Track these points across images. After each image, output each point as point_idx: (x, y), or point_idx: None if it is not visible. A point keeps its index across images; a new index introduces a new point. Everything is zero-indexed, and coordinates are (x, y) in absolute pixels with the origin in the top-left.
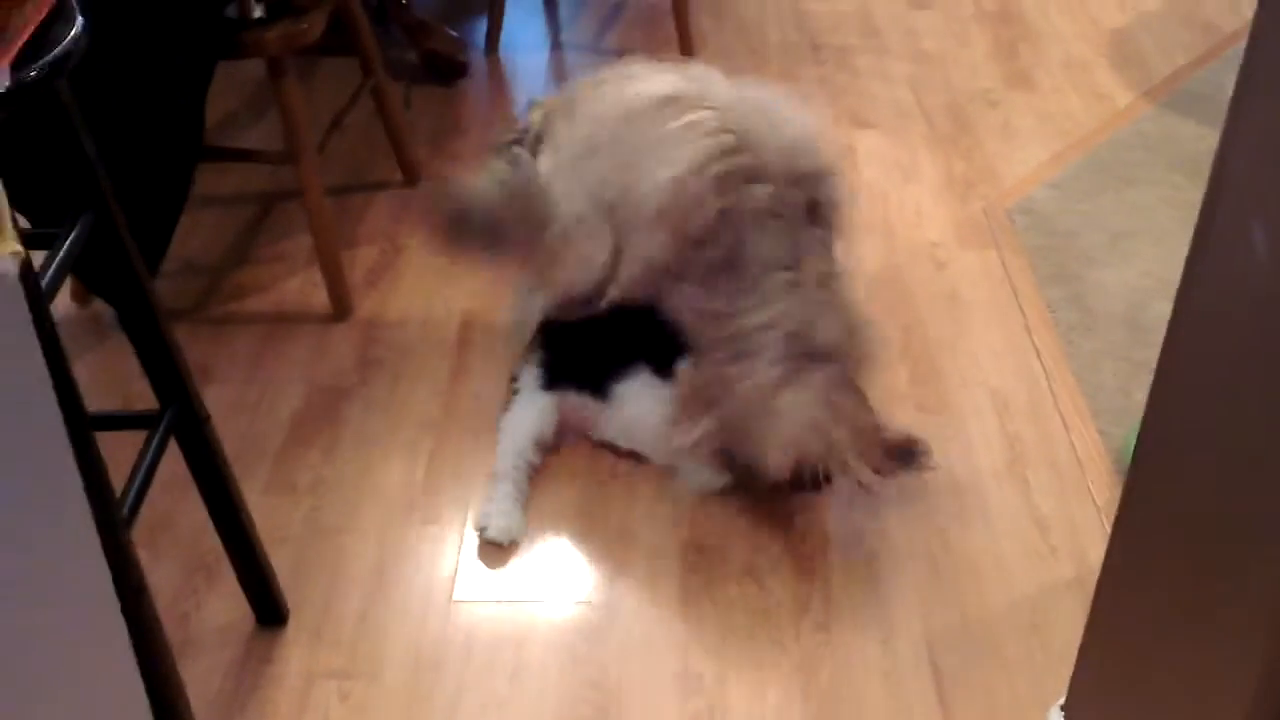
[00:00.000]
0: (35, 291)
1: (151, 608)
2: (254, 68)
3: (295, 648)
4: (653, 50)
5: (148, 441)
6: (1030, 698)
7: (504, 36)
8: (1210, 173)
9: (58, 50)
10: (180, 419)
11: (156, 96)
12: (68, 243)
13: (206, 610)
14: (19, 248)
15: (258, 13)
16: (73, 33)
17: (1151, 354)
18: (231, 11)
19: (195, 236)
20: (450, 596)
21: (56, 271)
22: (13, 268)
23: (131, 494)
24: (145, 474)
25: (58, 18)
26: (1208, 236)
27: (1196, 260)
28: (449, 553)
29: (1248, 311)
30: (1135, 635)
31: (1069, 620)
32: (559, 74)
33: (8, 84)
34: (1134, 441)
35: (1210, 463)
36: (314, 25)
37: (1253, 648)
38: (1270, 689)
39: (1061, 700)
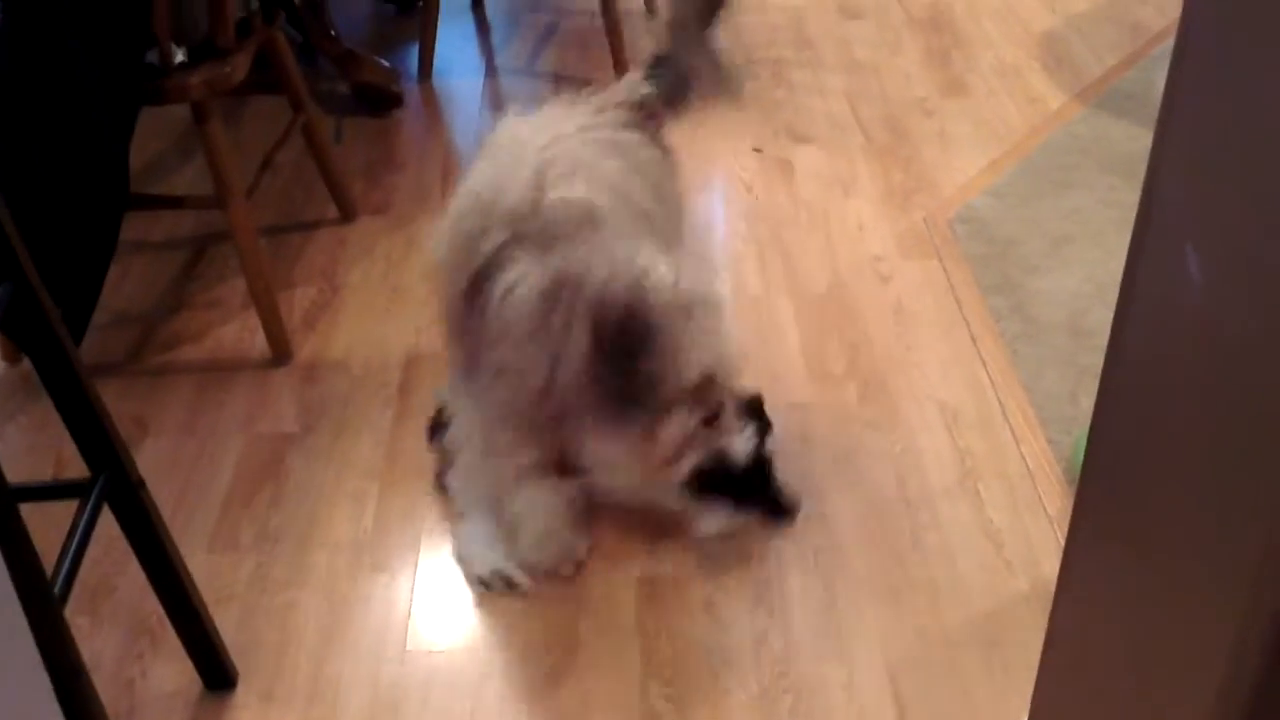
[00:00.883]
0: None
1: (90, 688)
2: (180, 109)
3: (245, 712)
4: (587, 72)
5: (79, 512)
6: (993, 716)
7: (436, 63)
8: (1141, 195)
9: None
10: (112, 485)
11: (79, 147)
12: None
13: (152, 676)
14: None
15: (180, 57)
16: None
17: (1095, 359)
18: (152, 57)
19: (126, 284)
20: (404, 645)
21: None
22: None
23: (64, 568)
24: (78, 546)
25: None
26: (1140, 260)
27: (1131, 284)
28: (401, 600)
29: (1184, 339)
30: (1094, 647)
31: (1028, 634)
32: (494, 100)
33: None
34: (1083, 448)
35: (1157, 473)
36: (238, 67)
37: (1214, 653)
38: (1233, 691)
39: (1024, 718)
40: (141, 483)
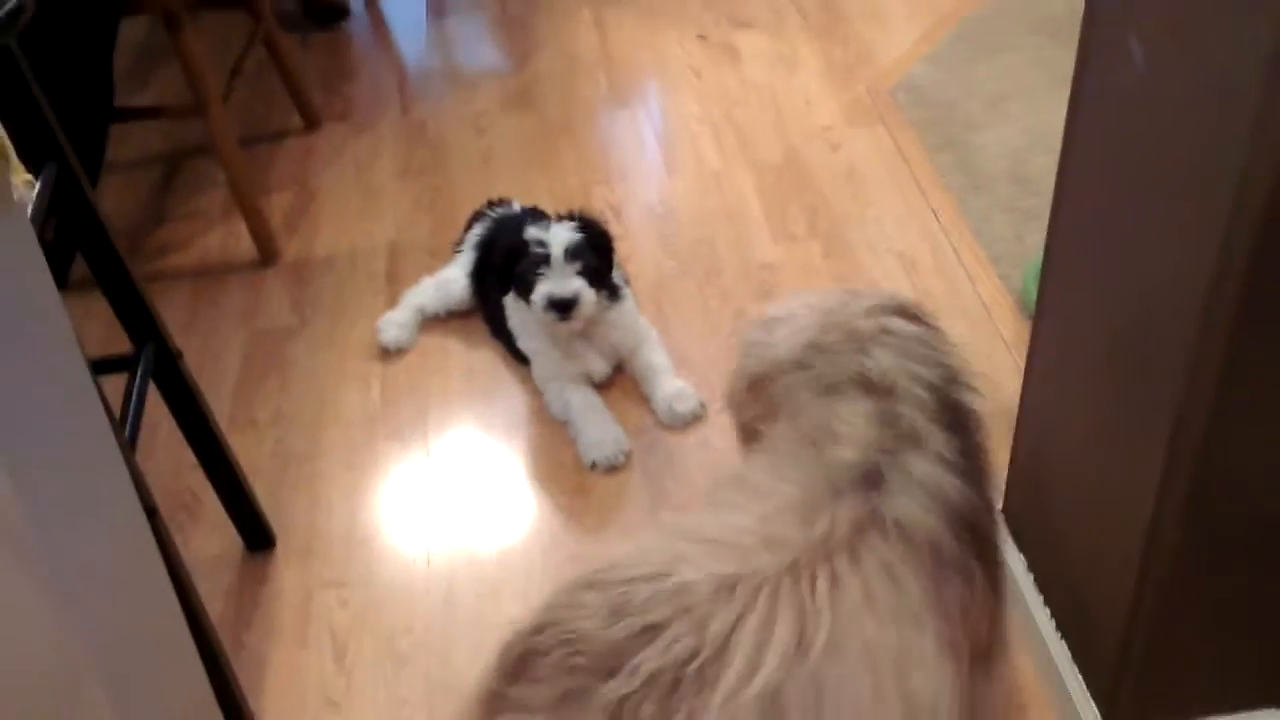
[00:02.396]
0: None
1: (164, 526)
2: (132, 31)
3: (288, 567)
4: None
5: (130, 382)
6: None
7: None
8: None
9: (10, 5)
10: (156, 356)
11: (66, 60)
12: (34, 194)
13: (194, 545)
14: (30, 176)
15: None
16: None
17: (1036, 202)
18: None
19: (106, 202)
20: (426, 498)
21: (34, 219)
22: (30, 195)
23: (129, 423)
24: (136, 406)
25: None
26: (1088, 53)
27: (1081, 77)
28: (416, 460)
29: (1131, 119)
30: (1058, 439)
31: (996, 444)
32: (438, 9)
33: None
34: (1032, 279)
35: (1108, 257)
36: None
37: (1157, 440)
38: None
39: (1000, 504)
40: (180, 353)
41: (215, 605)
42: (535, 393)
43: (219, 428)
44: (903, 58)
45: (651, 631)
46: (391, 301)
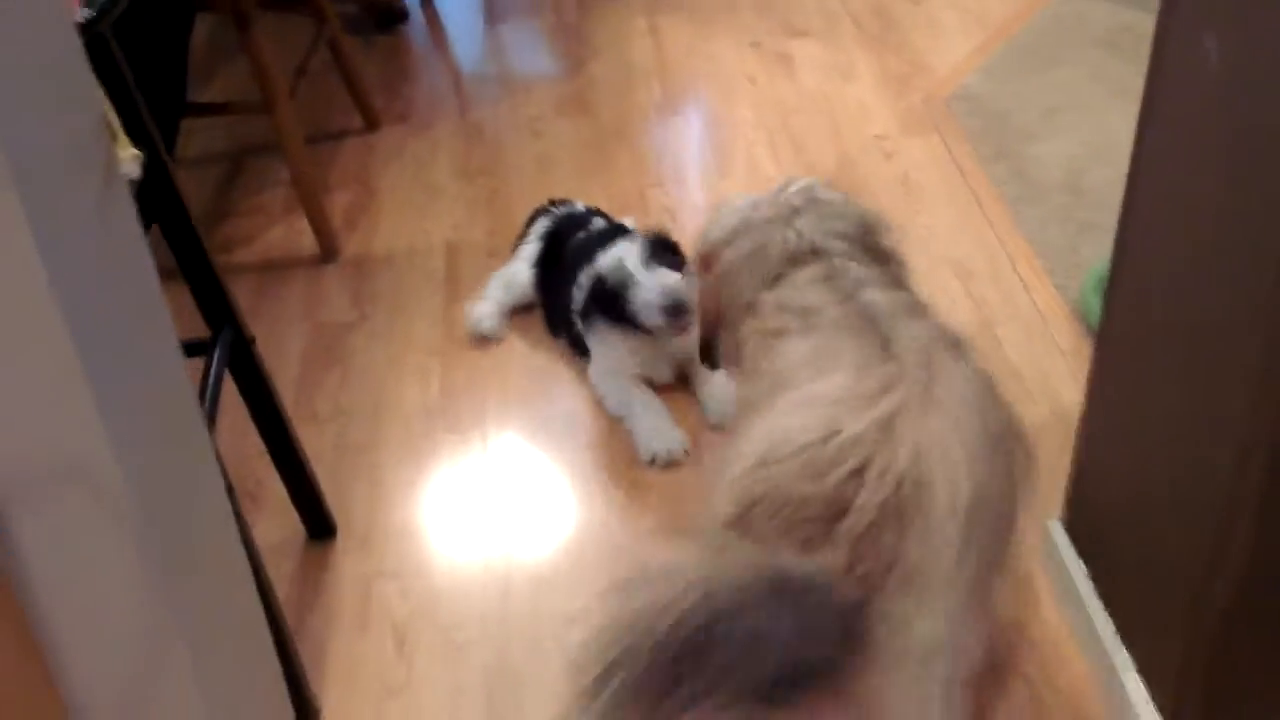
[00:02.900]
0: None
1: (237, 503)
2: (198, 30)
3: (349, 556)
4: None
5: (207, 363)
6: (1027, 518)
7: None
8: None
9: None
10: (232, 342)
11: (143, 52)
12: (139, 168)
13: (258, 531)
14: (136, 151)
15: None
16: None
17: (1093, 214)
18: None
19: None
20: (485, 492)
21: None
22: (136, 170)
23: (206, 406)
24: (214, 389)
25: None
26: (1164, 51)
27: (1155, 74)
28: (474, 454)
29: (1206, 116)
30: (1124, 452)
31: (1053, 451)
32: (491, 15)
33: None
34: (1091, 291)
35: (1180, 266)
36: None
37: (1227, 455)
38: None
39: (1059, 514)
40: (254, 339)
41: (279, 590)
42: (593, 391)
43: (288, 415)
44: (957, 68)
45: (857, 475)
46: (451, 298)
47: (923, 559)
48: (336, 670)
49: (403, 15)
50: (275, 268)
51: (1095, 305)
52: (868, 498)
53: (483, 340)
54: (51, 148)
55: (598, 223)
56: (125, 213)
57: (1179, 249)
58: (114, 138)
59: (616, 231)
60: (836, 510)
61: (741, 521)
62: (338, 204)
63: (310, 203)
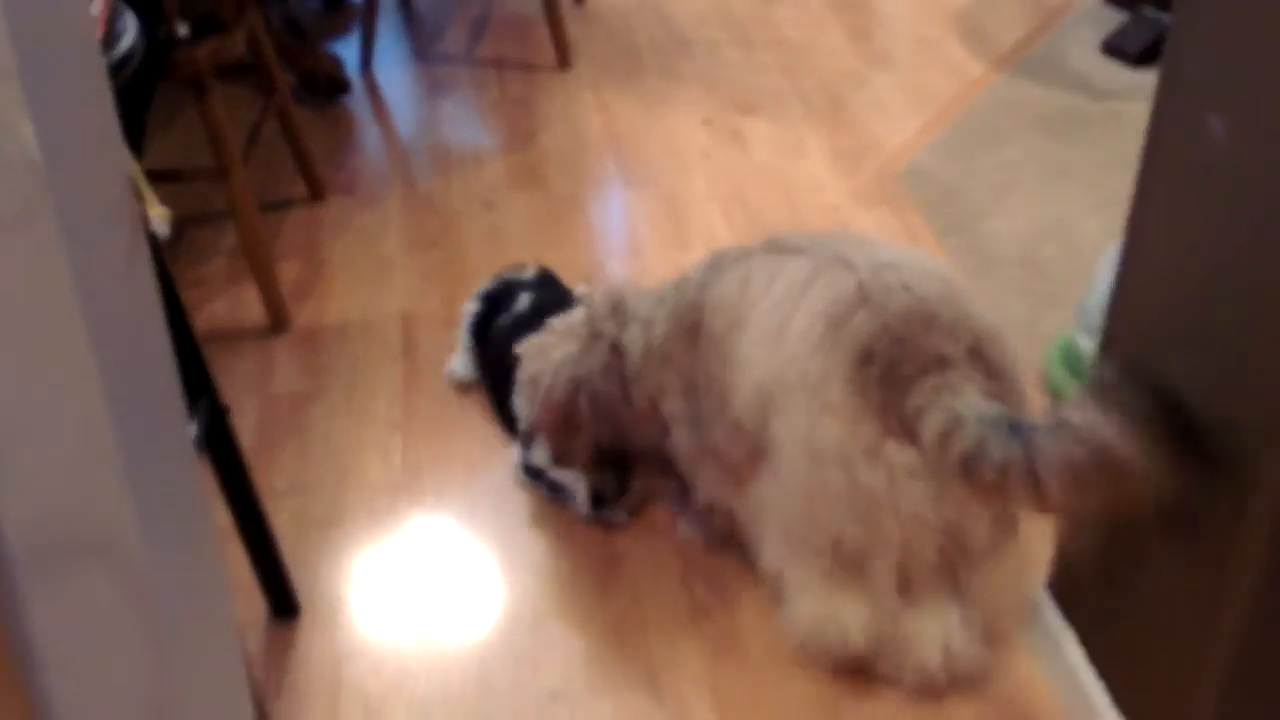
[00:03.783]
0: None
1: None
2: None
3: (316, 634)
4: (528, 58)
5: None
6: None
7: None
8: (1160, 72)
9: (124, 48)
10: (209, 411)
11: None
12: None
13: None
14: (165, 210)
15: (183, 31)
16: (132, 35)
17: (1050, 288)
18: (158, 33)
19: None
20: (451, 567)
21: None
22: (165, 229)
23: None
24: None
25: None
26: (1162, 130)
27: (1153, 156)
28: (441, 528)
29: (1211, 197)
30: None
31: (1030, 520)
32: (433, 87)
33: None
34: (1056, 362)
35: (1175, 346)
36: (237, 40)
37: (1223, 532)
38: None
39: (1045, 580)
40: (228, 409)
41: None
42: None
43: (257, 490)
44: (906, 146)
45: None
46: (410, 372)
47: None
48: None
49: (345, 86)
50: (222, 339)
51: (1061, 376)
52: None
53: (460, 388)
54: (91, 206)
55: (523, 301)
56: (147, 272)
57: (1174, 322)
58: (141, 198)
59: (545, 309)
60: None
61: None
62: (285, 274)
63: (261, 272)
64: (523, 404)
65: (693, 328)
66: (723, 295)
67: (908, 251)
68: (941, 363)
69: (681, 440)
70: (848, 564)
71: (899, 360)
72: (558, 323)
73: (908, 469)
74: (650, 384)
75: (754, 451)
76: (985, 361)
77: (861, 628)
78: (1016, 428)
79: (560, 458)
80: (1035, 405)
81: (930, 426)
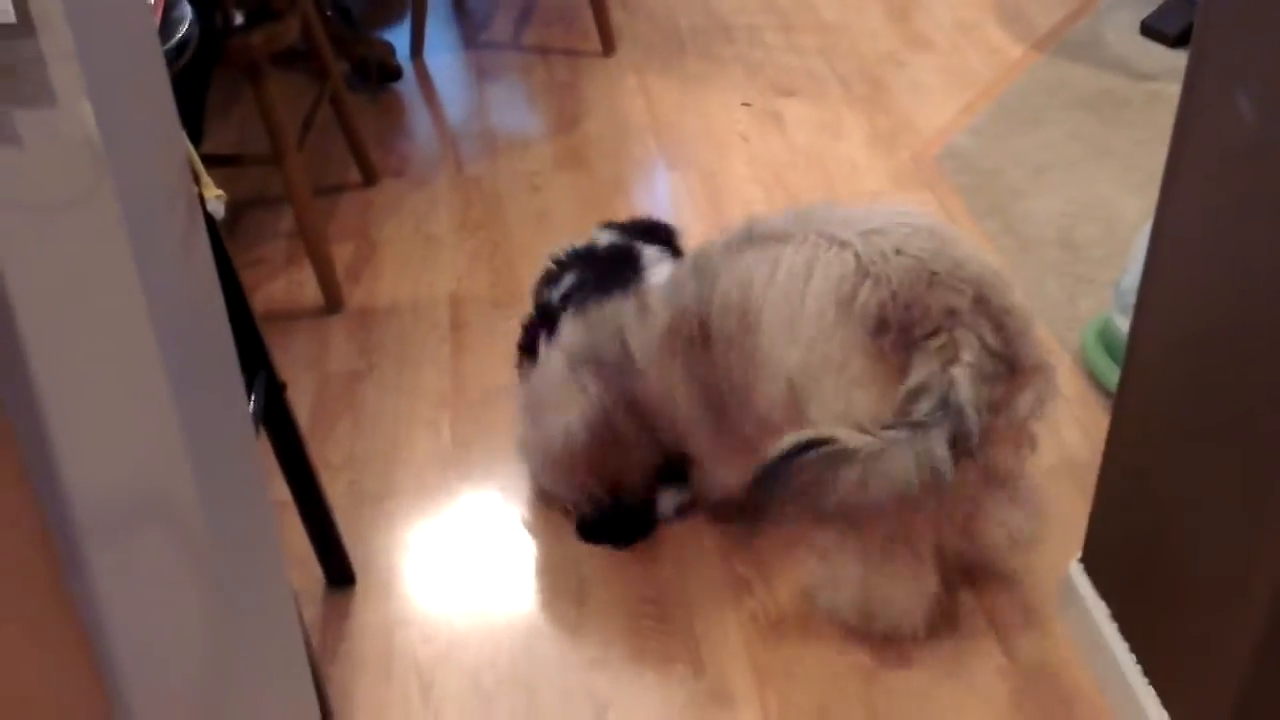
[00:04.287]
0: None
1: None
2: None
3: (370, 603)
4: (572, 44)
5: None
6: (1045, 564)
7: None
8: (1190, 51)
9: (180, 34)
10: (266, 386)
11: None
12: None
13: None
14: (220, 192)
15: (238, 18)
16: (188, 22)
17: (1087, 269)
18: (214, 20)
19: None
20: (500, 540)
21: None
22: (220, 209)
23: None
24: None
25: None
26: (1191, 108)
27: (1183, 136)
28: (490, 501)
29: (1240, 174)
30: (1144, 486)
31: (1063, 496)
32: (482, 73)
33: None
34: (1092, 343)
35: (1207, 325)
36: (291, 27)
37: (1256, 502)
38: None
39: (1079, 555)
40: (285, 385)
41: None
42: None
43: (314, 461)
44: (945, 128)
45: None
46: (457, 350)
47: None
48: (364, 717)
49: (396, 73)
50: (279, 319)
51: (1098, 356)
52: None
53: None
54: (149, 187)
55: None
56: (204, 251)
57: (1206, 300)
58: (197, 179)
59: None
60: None
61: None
62: (339, 256)
63: (317, 254)
64: (554, 478)
65: (698, 337)
66: (726, 301)
67: (887, 209)
68: (951, 316)
69: (702, 441)
70: (882, 531)
71: (910, 323)
72: (537, 383)
73: None
74: (658, 392)
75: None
76: (989, 306)
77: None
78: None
79: (615, 489)
80: (1049, 350)
81: (920, 408)
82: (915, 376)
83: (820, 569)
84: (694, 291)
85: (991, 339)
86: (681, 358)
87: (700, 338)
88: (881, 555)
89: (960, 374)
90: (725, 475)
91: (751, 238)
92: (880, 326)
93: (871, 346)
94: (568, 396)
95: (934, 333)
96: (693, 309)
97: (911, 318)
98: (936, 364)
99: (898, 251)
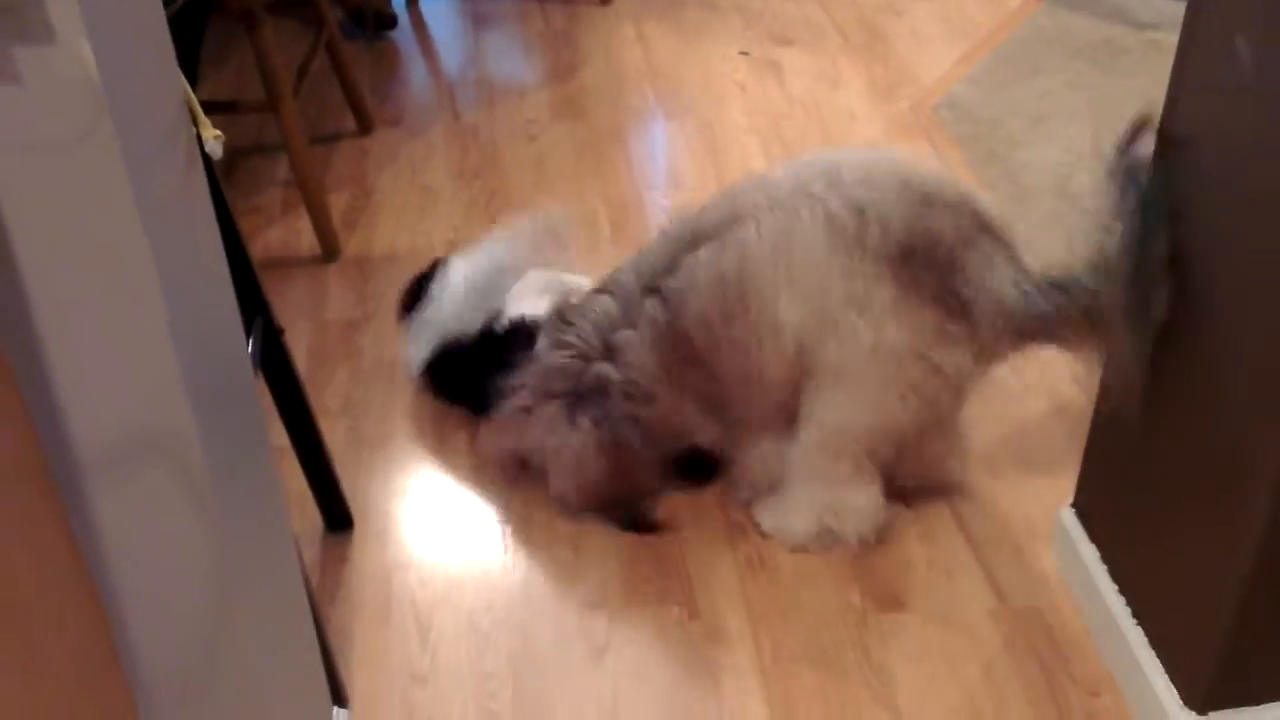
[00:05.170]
0: None
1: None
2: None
3: (368, 547)
4: None
5: None
6: (1037, 509)
7: None
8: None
9: None
10: (264, 331)
11: None
12: (220, 147)
13: None
14: (218, 132)
15: None
16: None
17: (1084, 218)
18: None
19: None
20: (497, 486)
21: None
22: (219, 150)
23: None
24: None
25: None
26: (1189, 55)
27: (1181, 79)
28: (490, 449)
29: (1239, 119)
30: (1138, 431)
31: (1055, 443)
32: (477, 21)
33: None
34: None
35: (1201, 269)
36: None
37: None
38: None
39: (1070, 500)
40: (283, 330)
41: None
42: None
43: (313, 406)
44: (943, 78)
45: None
46: None
47: None
48: (363, 658)
49: (392, 21)
50: (276, 266)
51: None
52: None
53: None
54: (148, 126)
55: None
56: (203, 190)
57: (1202, 244)
58: (195, 119)
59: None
60: None
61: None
62: (335, 205)
63: (313, 201)
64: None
65: (683, 354)
66: (699, 306)
67: (830, 158)
68: (965, 237)
69: (710, 429)
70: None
71: (931, 245)
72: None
73: (964, 345)
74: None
75: (794, 394)
76: (989, 225)
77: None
78: (1053, 285)
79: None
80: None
81: (985, 309)
82: (962, 285)
83: (771, 503)
84: (670, 310)
85: (1006, 253)
86: (672, 378)
87: (684, 354)
88: (827, 474)
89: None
90: (748, 458)
91: (700, 237)
92: (906, 254)
93: (900, 274)
94: (563, 433)
95: (955, 251)
96: (675, 323)
97: (929, 241)
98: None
99: (873, 186)
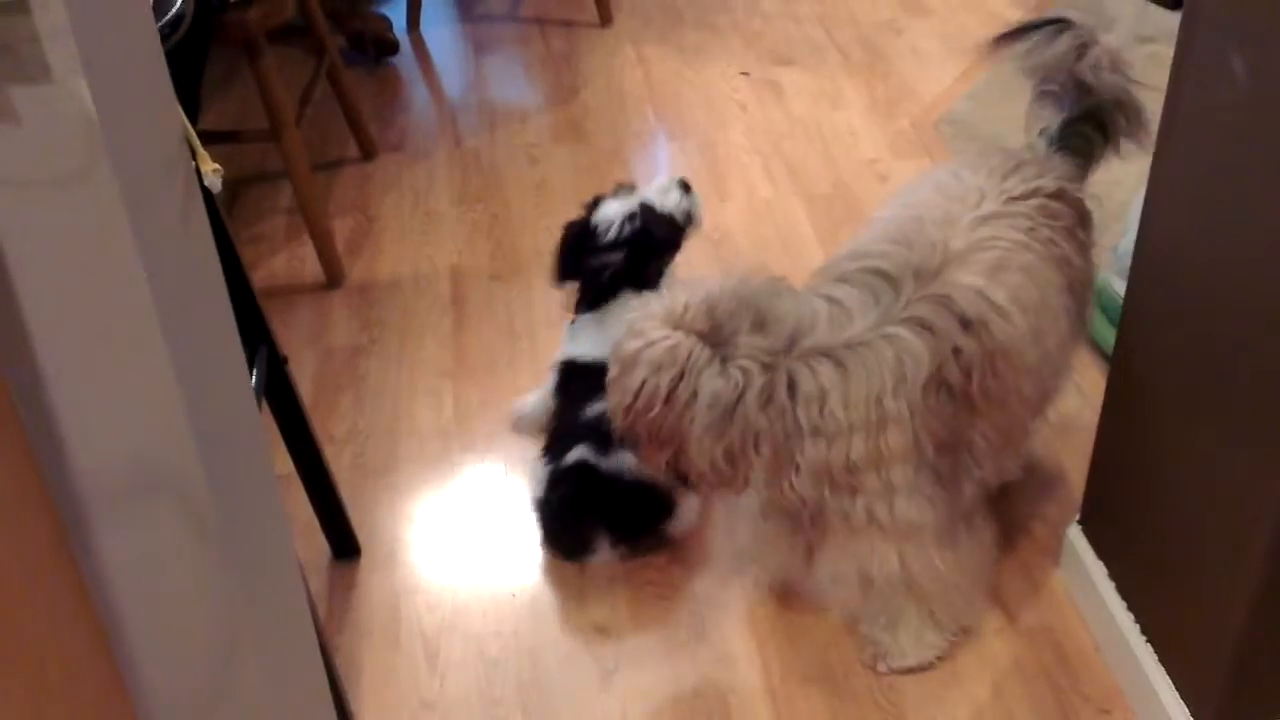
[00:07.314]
0: None
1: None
2: None
3: (375, 574)
4: (569, 15)
5: None
6: (1044, 527)
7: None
8: (1183, 9)
9: (175, 10)
10: (268, 360)
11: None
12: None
13: None
14: (217, 165)
15: None
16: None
17: (1085, 235)
18: None
19: None
20: (503, 510)
21: None
22: (217, 183)
23: None
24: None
25: None
26: (1183, 71)
27: (1176, 96)
28: (492, 474)
29: (1234, 135)
30: (1142, 447)
31: (1061, 457)
32: (478, 46)
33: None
34: (1095, 300)
35: (1203, 284)
36: (287, 2)
37: (1248, 463)
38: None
39: (1077, 517)
40: (286, 358)
41: None
42: None
43: (318, 434)
44: (943, 94)
45: None
46: (459, 321)
47: None
48: (372, 685)
49: (393, 47)
50: (280, 294)
51: (1095, 319)
52: None
53: (506, 338)
54: (146, 162)
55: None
56: (202, 224)
57: (1203, 260)
58: (193, 153)
59: None
60: None
61: None
62: (339, 231)
63: (316, 229)
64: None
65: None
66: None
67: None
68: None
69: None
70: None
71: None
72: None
73: None
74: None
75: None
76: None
77: None
78: None
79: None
80: None
81: None
82: None
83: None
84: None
85: None
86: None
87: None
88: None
89: None
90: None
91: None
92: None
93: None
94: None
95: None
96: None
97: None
98: None
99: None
